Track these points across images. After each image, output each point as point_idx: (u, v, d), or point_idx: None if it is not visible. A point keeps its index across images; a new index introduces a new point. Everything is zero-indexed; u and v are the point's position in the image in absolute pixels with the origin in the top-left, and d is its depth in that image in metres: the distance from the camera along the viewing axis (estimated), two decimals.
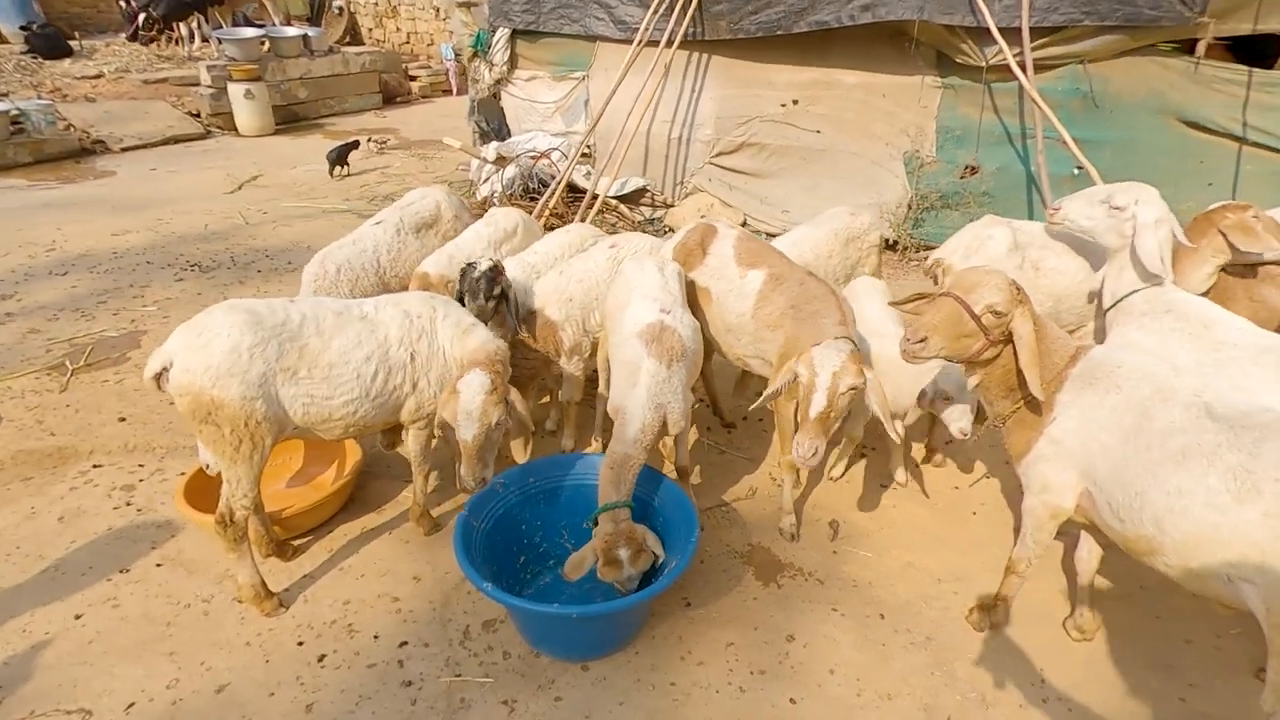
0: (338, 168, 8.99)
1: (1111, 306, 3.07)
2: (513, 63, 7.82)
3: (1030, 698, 2.64)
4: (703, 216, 7.06)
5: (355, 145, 9.31)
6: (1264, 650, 2.71)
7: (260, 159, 9.88)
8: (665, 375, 2.90)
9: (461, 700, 2.63)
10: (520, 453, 3.12)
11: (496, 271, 3.36)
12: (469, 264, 3.41)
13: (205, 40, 13.21)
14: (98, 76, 11.71)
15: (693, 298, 3.49)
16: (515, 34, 7.67)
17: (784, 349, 3.14)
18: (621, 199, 7.28)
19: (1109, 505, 2.31)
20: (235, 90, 10.88)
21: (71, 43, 12.60)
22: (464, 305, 3.25)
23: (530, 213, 5.74)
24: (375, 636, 2.87)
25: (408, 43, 15.45)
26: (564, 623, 2.65)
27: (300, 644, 2.84)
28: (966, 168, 6.31)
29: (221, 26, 12.95)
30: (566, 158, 7.24)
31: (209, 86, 11.07)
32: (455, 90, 14.03)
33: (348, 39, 15.06)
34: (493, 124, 8.27)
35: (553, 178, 7.20)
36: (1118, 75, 5.77)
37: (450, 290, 3.54)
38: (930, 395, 3.21)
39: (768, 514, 3.54)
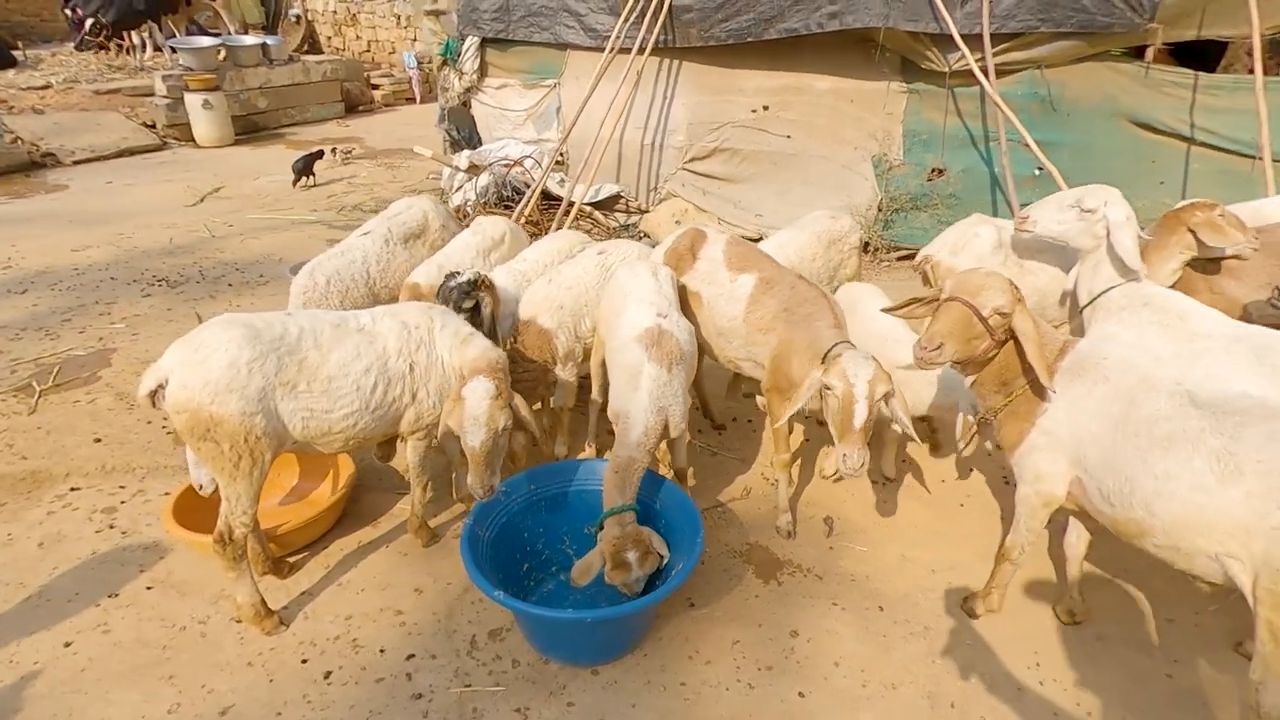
0: (303, 178, 8.84)
1: (1089, 304, 3.20)
2: (483, 71, 7.81)
3: (1028, 680, 2.74)
4: (678, 222, 7.15)
5: (320, 155, 9.18)
6: (1240, 625, 2.89)
7: (221, 170, 9.67)
8: (666, 378, 2.94)
9: (474, 710, 2.62)
10: (523, 455, 3.13)
11: (475, 285, 3.35)
12: (451, 273, 3.41)
13: (158, 49, 12.89)
14: (45, 87, 11.33)
15: (683, 302, 3.54)
16: (485, 42, 7.66)
17: (777, 351, 3.21)
18: (596, 205, 7.31)
19: (1099, 491, 2.41)
20: (192, 100, 10.63)
21: (15, 53, 12.17)
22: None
23: None
24: (381, 650, 2.84)
25: (368, 51, 15.28)
26: (576, 628, 2.66)
27: (304, 661, 2.80)
28: (933, 170, 6.50)
29: (175, 35, 12.63)
30: (540, 165, 7.26)
31: (165, 97, 10.80)
32: (419, 98, 13.93)
33: (306, 48, 14.83)
34: (463, 132, 8.24)
35: (526, 185, 7.20)
36: (1074, 80, 6.02)
37: None
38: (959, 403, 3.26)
39: (763, 513, 3.60)
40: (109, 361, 4.91)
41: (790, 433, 3.69)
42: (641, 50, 6.51)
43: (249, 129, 11.52)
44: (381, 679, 2.73)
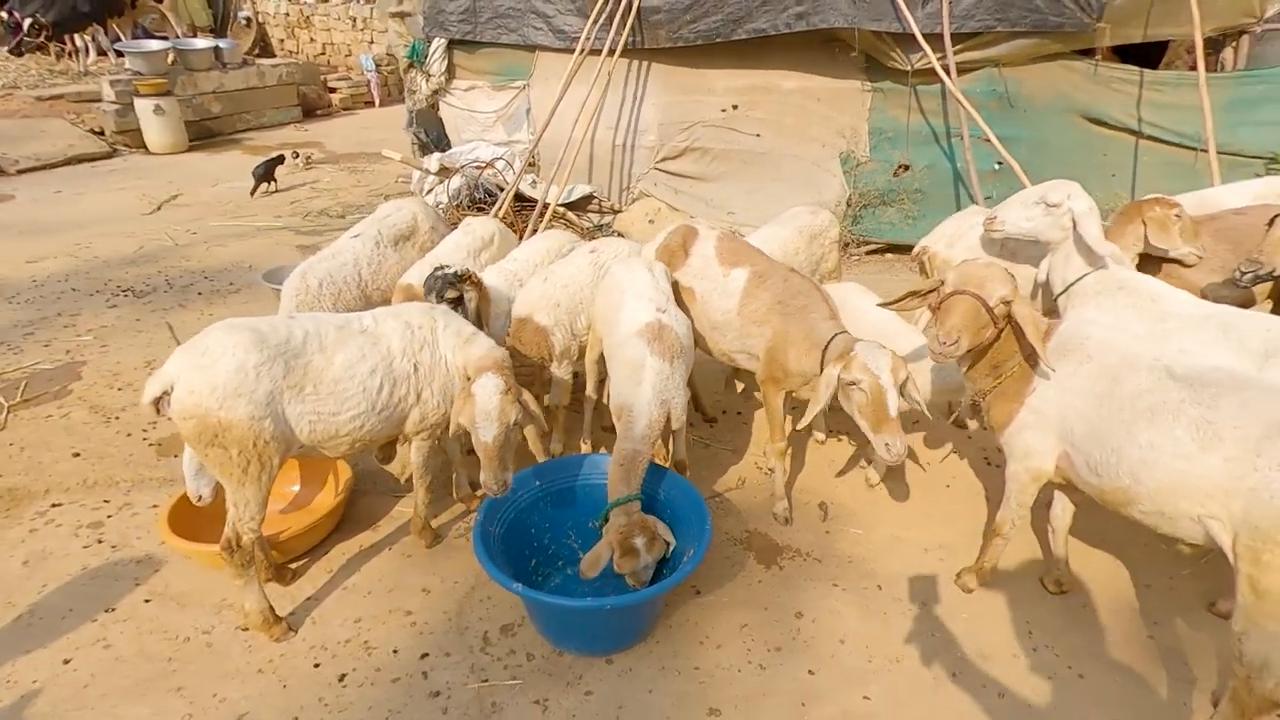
0: (264, 184, 8.66)
1: (1063, 292, 3.37)
2: (450, 73, 7.77)
3: (1021, 648, 2.88)
4: (651, 221, 7.23)
5: (281, 160, 9.01)
6: (1211, 587, 3.09)
7: (176, 177, 9.41)
8: (668, 372, 3.00)
9: (493, 705, 2.65)
10: (540, 449, 3.16)
11: (460, 278, 3.38)
12: (439, 266, 3.43)
13: (102, 53, 12.46)
14: None
15: (677, 297, 3.60)
16: (452, 44, 7.63)
17: (772, 343, 3.30)
18: (569, 206, 7.34)
19: (1087, 464, 2.55)
20: (143, 106, 10.33)
21: None
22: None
23: None
24: (394, 651, 2.84)
25: (323, 54, 15.00)
26: (594, 617, 2.71)
27: (317, 666, 2.79)
28: (899, 166, 6.70)
29: (120, 38, 12.22)
30: (511, 167, 7.26)
31: (113, 102, 10.45)
32: (378, 102, 13.74)
33: (257, 51, 14.49)
34: (431, 135, 8.18)
35: (499, 187, 7.20)
36: (1029, 77, 6.28)
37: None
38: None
39: (759, 501, 3.69)
40: (79, 375, 4.77)
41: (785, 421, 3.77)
42: (611, 52, 6.57)
43: (203, 134, 11.23)
44: (397, 679, 2.74)
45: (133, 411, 4.35)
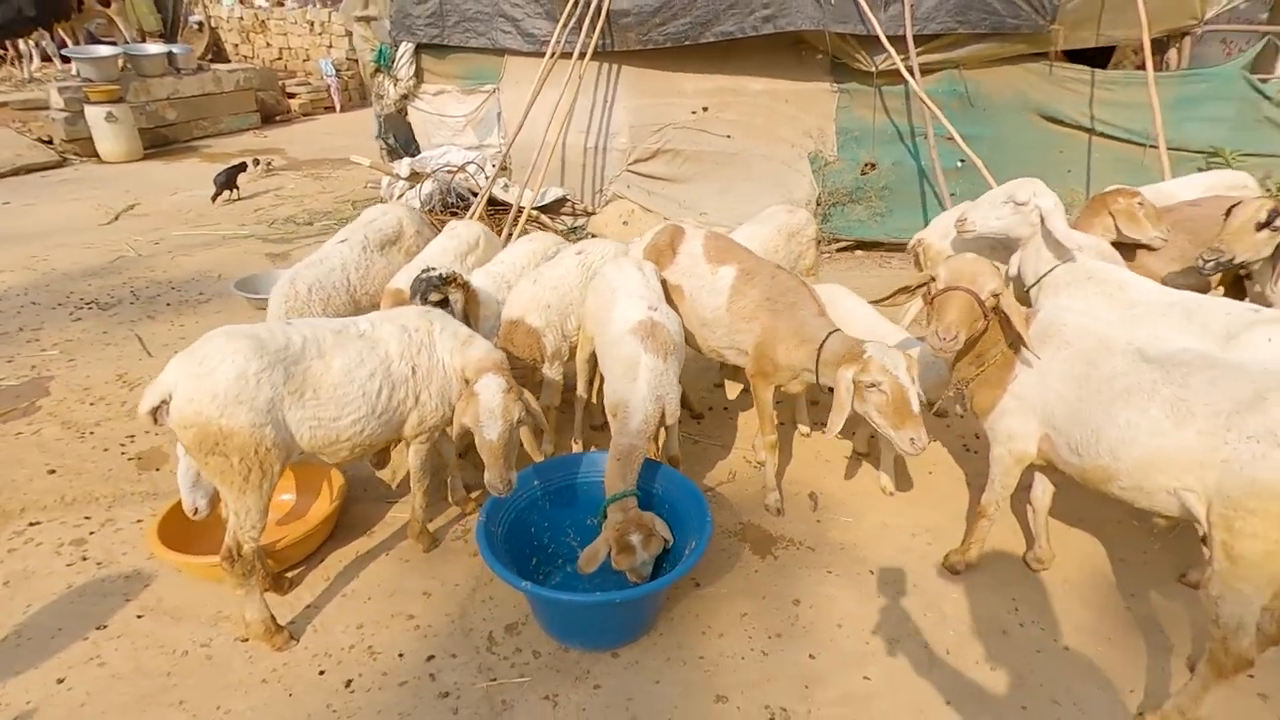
0: (226, 192, 8.48)
1: (1034, 284, 3.52)
2: (419, 77, 7.72)
3: (1009, 625, 3.00)
4: (625, 223, 7.29)
5: (243, 168, 8.82)
6: (1181, 560, 3.26)
7: (132, 186, 9.15)
8: (662, 368, 3.06)
9: (503, 702, 2.67)
10: (536, 450, 3.19)
11: (446, 280, 3.40)
12: (426, 268, 3.45)
13: (48, 59, 12.05)
14: None
15: (666, 296, 3.66)
16: (420, 48, 7.57)
17: (761, 339, 3.38)
18: (542, 209, 7.36)
19: (1068, 444, 2.68)
20: (94, 113, 10.00)
21: None
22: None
23: None
24: (400, 655, 2.84)
25: (280, 59, 14.71)
26: (600, 611, 2.75)
27: (322, 673, 2.77)
28: (866, 164, 6.87)
29: (67, 44, 11.83)
30: (483, 171, 7.24)
31: (62, 110, 10.11)
32: (339, 107, 13.55)
33: (210, 56, 14.15)
34: (400, 139, 8.10)
35: (471, 192, 7.17)
36: (988, 78, 6.51)
37: None
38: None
39: (750, 494, 3.77)
40: (47, 390, 4.63)
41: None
42: (581, 55, 6.60)
43: (158, 142, 10.93)
44: (405, 682, 2.74)
45: (108, 426, 4.25)
